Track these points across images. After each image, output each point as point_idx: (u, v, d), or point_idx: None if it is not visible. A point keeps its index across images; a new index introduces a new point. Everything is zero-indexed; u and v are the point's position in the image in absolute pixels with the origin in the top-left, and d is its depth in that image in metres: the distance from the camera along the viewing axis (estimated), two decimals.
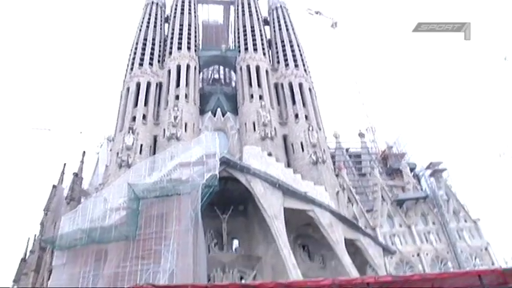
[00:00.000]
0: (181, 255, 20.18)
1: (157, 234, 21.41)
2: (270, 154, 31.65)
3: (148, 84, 40.50)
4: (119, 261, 21.16)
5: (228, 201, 26.90)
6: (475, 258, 43.90)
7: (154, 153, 33.19)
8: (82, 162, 49.02)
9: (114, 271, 20.81)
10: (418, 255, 42.90)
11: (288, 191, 26.20)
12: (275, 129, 36.55)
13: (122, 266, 20.82)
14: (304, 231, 28.17)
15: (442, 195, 47.87)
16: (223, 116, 40.41)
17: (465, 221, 47.23)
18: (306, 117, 39.44)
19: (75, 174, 46.19)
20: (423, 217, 46.46)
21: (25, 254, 43.09)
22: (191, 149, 25.87)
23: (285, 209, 25.41)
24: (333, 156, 46.80)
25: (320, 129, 39.82)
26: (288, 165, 34.02)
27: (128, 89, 40.31)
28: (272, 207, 24.96)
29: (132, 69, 42.35)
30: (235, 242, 28.04)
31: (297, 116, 39.57)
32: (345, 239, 27.13)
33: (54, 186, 47.36)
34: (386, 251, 32.51)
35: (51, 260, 29.13)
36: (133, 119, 37.31)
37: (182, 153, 25.73)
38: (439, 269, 41.49)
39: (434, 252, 43.77)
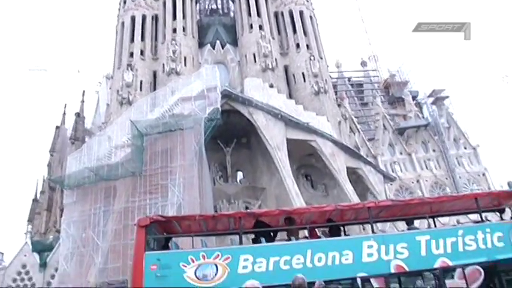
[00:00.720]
0: (187, 188, 20.80)
1: (163, 169, 21.89)
2: (271, 85, 31.32)
3: (144, 18, 39.06)
4: (128, 196, 21.86)
5: (231, 134, 27.16)
6: (473, 184, 45.14)
7: (154, 89, 32.87)
8: (83, 101, 48.92)
9: (124, 206, 21.59)
10: (418, 181, 44.10)
11: (290, 122, 26.32)
12: (276, 60, 35.82)
13: (131, 201, 21.55)
14: (306, 161, 28.72)
15: (443, 123, 48.09)
16: (222, 48, 39.43)
17: (465, 147, 47.88)
18: (308, 46, 38.44)
19: (77, 114, 46.28)
20: (424, 145, 47.06)
21: (35, 195, 44.33)
22: (192, 83, 25.62)
23: (287, 140, 25.71)
24: (334, 86, 46.33)
25: (322, 58, 39.01)
26: (290, 96, 33.80)
27: (123, 23, 38.98)
28: (275, 138, 25.23)
29: (125, 1, 40.66)
30: (240, 174, 28.74)
31: (298, 45, 38.56)
32: (347, 168, 27.73)
33: (57, 127, 47.66)
34: (387, 178, 33.35)
35: (61, 199, 30.13)
36: (131, 55, 36.48)
37: (183, 88, 25.52)
38: (438, 194, 42.76)
39: (433, 178, 44.91)
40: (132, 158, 22.69)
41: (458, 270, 8.60)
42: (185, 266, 7.88)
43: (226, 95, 25.22)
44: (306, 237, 9.27)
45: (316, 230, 9.51)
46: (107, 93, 43.32)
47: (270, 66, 34.61)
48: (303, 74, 36.19)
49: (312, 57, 37.06)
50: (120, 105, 32.45)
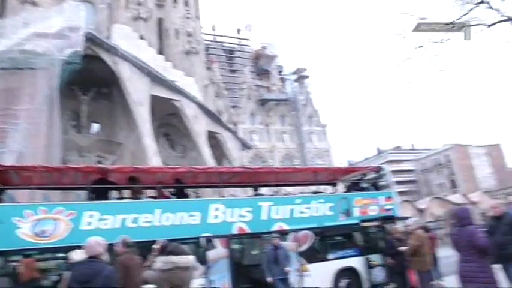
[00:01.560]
0: (32, 136, 18.68)
1: (4, 111, 19.21)
2: (142, 37, 29.63)
3: None
4: None
5: (91, 82, 25.08)
6: (318, 159, 50.48)
7: (1, 16, 28.29)
8: None
9: None
10: (272, 152, 47.45)
11: (156, 78, 25.44)
12: (151, 10, 33.92)
13: None
14: (168, 121, 28.34)
15: (301, 100, 52.16)
16: None
17: (316, 125, 52.95)
18: (186, 3, 37.23)
19: None
20: (282, 118, 50.54)
21: None
22: (51, 19, 22.63)
23: (151, 96, 24.90)
24: (207, 49, 46.14)
25: (198, 18, 38.24)
26: (160, 52, 32.57)
27: None
28: (138, 92, 24.16)
29: None
30: (96, 126, 26.94)
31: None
32: (208, 132, 28.24)
33: None
34: (244, 145, 35.02)
35: None
36: None
37: (39, 22, 22.43)
38: (288, 165, 46.66)
39: (286, 150, 48.82)
40: None
41: (292, 233, 9.69)
42: (20, 221, 7.18)
43: (90, 39, 23.01)
44: (153, 197, 9.25)
45: (166, 190, 9.59)
46: None
47: (143, 16, 32.64)
48: (176, 30, 35.07)
49: (189, 15, 36.10)
50: None
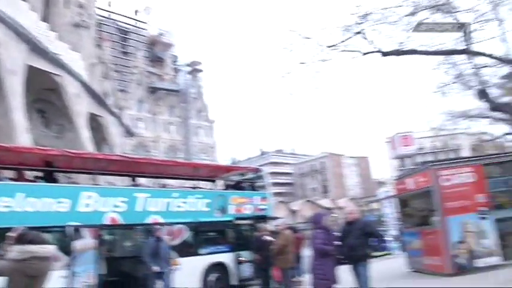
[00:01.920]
0: None
1: None
2: None
3: None
4: None
5: None
6: (203, 154, 50.75)
7: None
8: None
9: None
10: (157, 142, 46.36)
11: (36, 48, 22.96)
12: None
13: None
14: (45, 96, 25.87)
15: (192, 93, 51.90)
16: None
17: (204, 120, 53.16)
18: None
19: None
20: (171, 109, 49.68)
21: None
22: None
23: (28, 67, 22.47)
24: (99, 25, 43.22)
25: None
26: (45, 19, 29.56)
27: None
28: (12, 60, 21.60)
29: None
30: None
31: None
32: (90, 114, 26.51)
33: None
34: (128, 132, 33.64)
35: None
36: None
37: None
38: (171, 156, 46.03)
39: (171, 142, 48.10)
40: None
41: (167, 227, 9.64)
42: None
43: None
44: (12, 179, 8.41)
45: (29, 173, 8.79)
46: None
47: None
48: None
49: None
50: None
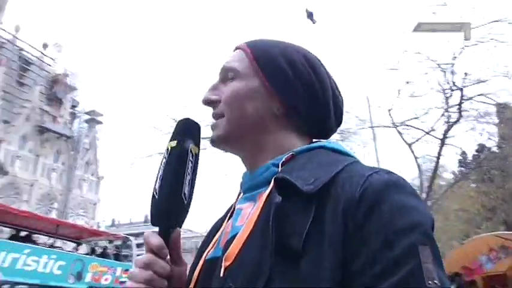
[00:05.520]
0: None
1: None
2: None
3: None
4: None
5: None
6: (81, 209, 46.77)
7: None
8: None
9: None
10: (32, 185, 41.94)
11: None
12: None
13: None
14: None
15: (85, 143, 49.06)
16: None
17: (92, 174, 49.88)
18: None
19: None
20: (57, 154, 46.03)
21: None
22: None
23: None
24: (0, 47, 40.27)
25: (1, 9, 33.54)
26: None
27: None
28: None
29: None
30: None
31: None
32: None
33: None
34: (0, 168, 30.18)
35: None
36: None
37: None
38: (45, 205, 41.88)
39: (49, 189, 43.84)
40: None
41: (7, 286, 8.38)
42: None
43: None
44: None
45: None
46: None
47: None
48: None
49: None
50: None
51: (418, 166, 9.47)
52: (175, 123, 0.68)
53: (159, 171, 0.65)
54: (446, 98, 10.17)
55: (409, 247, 0.50)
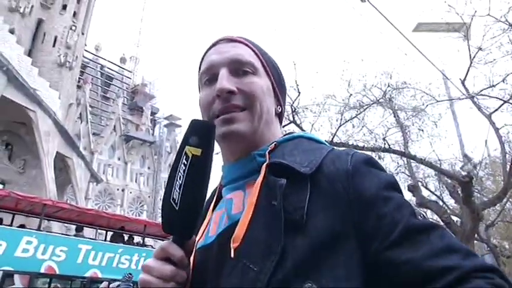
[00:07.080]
0: None
1: None
2: (12, 31, 26.94)
3: None
4: None
5: None
6: None
7: None
8: None
9: None
10: (123, 190, 45.25)
11: (14, 80, 22.83)
12: (32, 7, 31.30)
13: None
14: (14, 129, 25.46)
15: (167, 147, 51.80)
16: None
17: None
18: (75, 14, 35.37)
19: None
20: (143, 159, 49.19)
21: None
22: None
23: (3, 96, 22.19)
24: (84, 67, 43.84)
25: (83, 34, 36.48)
26: (30, 53, 29.84)
27: None
28: None
29: None
30: None
31: (65, 7, 34.94)
32: (57, 153, 25.97)
33: None
34: (94, 177, 32.90)
35: None
36: None
37: None
38: (136, 208, 44.92)
39: (137, 192, 47.04)
40: None
41: (105, 282, 9.18)
42: None
43: None
44: None
45: None
46: None
47: (21, 10, 29.98)
48: (55, 38, 32.82)
49: (74, 28, 34.28)
50: None
51: (499, 137, 8.68)
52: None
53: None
54: None
55: (401, 198, 0.66)
